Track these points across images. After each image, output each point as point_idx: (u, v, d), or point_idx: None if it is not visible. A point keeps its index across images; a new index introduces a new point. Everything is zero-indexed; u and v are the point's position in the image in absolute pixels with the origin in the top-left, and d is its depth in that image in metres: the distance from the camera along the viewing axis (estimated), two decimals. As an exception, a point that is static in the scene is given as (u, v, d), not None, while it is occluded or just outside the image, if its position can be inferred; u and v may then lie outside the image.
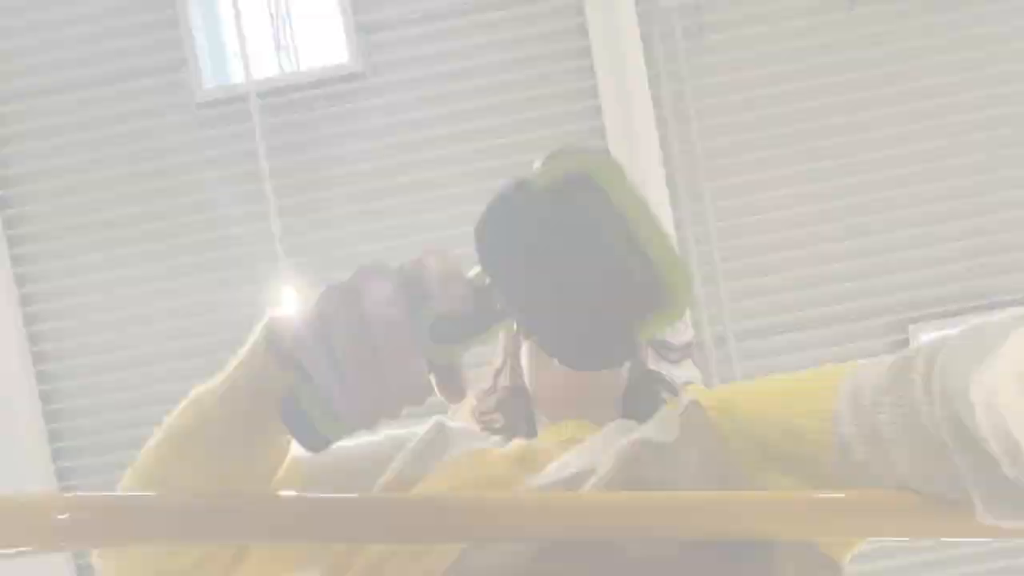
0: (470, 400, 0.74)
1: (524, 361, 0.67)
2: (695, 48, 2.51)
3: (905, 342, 2.45)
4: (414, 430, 0.60)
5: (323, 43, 2.62)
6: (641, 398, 0.64)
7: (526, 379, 0.67)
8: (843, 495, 0.42)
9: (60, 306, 2.52)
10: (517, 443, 0.59)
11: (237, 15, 2.47)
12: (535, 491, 0.46)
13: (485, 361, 0.77)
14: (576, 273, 0.27)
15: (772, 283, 2.53)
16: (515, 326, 0.33)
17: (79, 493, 0.40)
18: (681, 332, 0.70)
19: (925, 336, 2.37)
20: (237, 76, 2.62)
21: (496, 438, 0.69)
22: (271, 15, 2.55)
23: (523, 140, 2.52)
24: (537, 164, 0.29)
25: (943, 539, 0.42)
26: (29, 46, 2.48)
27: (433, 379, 0.32)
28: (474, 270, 0.31)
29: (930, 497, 0.38)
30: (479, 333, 0.31)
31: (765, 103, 2.50)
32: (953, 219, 2.50)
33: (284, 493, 0.39)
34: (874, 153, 2.49)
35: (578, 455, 0.49)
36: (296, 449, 0.41)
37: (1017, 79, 2.46)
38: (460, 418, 0.73)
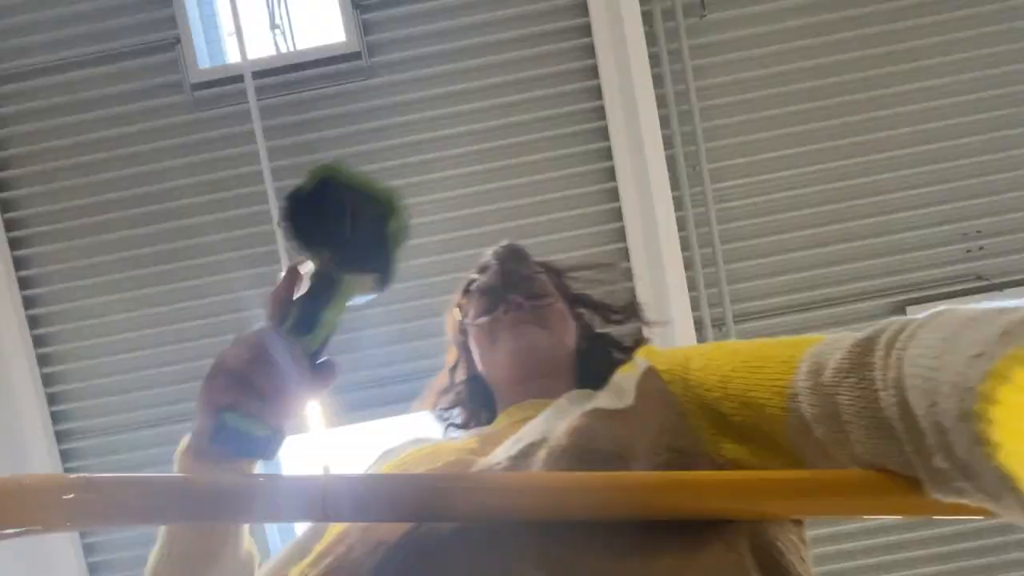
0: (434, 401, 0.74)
1: (475, 353, 0.67)
2: (696, 27, 2.48)
3: (903, 324, 2.45)
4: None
5: (319, 22, 2.59)
6: (593, 363, 0.64)
7: (480, 369, 0.67)
8: (802, 475, 0.42)
9: (58, 289, 2.52)
10: (474, 432, 0.59)
11: (231, -7, 2.43)
12: (486, 470, 0.46)
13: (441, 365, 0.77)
14: (349, 222, 0.44)
15: (770, 265, 2.54)
16: (346, 296, 0.46)
17: (83, 474, 0.40)
18: (620, 294, 0.70)
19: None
20: (232, 56, 2.59)
21: (455, 433, 0.69)
22: (266, -7, 2.51)
23: (522, 121, 2.50)
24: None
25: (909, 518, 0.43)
26: (19, 26, 2.45)
27: (309, 368, 0.43)
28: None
29: (890, 476, 0.38)
30: (322, 312, 0.45)
31: (765, 84, 2.48)
32: (951, 201, 2.50)
33: (275, 474, 0.40)
34: (873, 134, 2.48)
35: (531, 429, 0.49)
36: None
37: (1018, 59, 2.44)
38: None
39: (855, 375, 0.37)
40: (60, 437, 2.51)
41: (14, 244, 2.49)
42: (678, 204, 2.48)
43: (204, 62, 2.52)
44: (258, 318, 2.51)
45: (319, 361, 0.46)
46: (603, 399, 0.50)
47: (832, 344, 0.40)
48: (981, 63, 2.44)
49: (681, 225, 2.48)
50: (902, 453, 0.35)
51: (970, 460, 0.29)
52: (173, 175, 2.49)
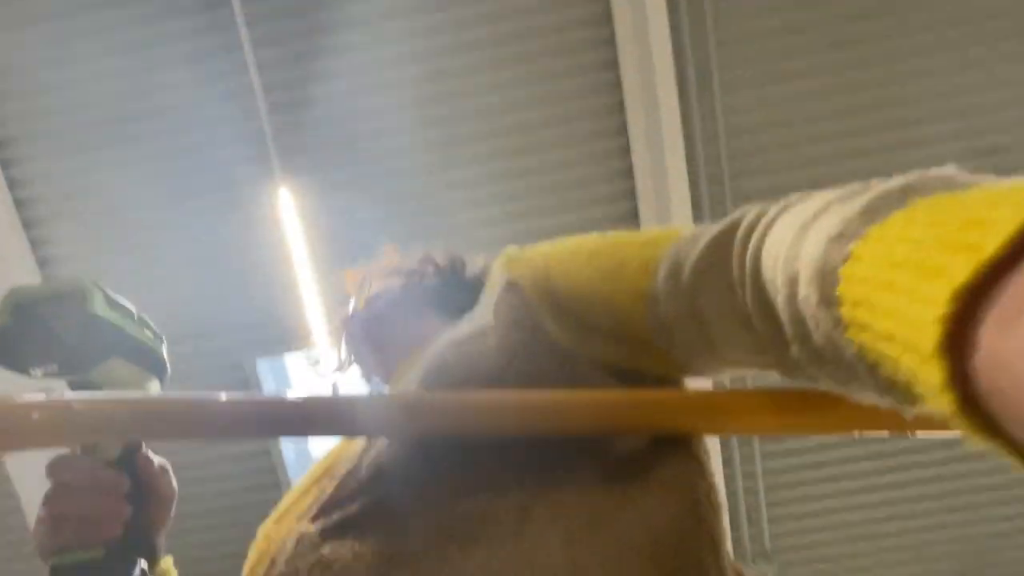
0: None
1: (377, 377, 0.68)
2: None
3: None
4: None
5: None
6: (451, 299, 0.62)
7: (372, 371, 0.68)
8: (712, 393, 0.42)
9: (57, 210, 2.50)
10: None
11: None
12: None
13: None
14: (57, 329, 0.45)
15: (778, 183, 2.47)
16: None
17: (48, 396, 0.41)
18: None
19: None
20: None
21: None
22: None
23: (525, 28, 2.36)
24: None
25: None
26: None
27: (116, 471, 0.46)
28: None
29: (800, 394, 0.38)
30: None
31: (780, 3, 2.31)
32: (977, 133, 2.39)
33: (230, 395, 0.40)
34: (885, 47, 2.33)
35: (405, 384, 0.49)
36: None
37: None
38: None
39: (712, 274, 0.36)
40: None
41: (6, 164, 2.45)
42: (685, 117, 2.39)
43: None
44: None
45: (127, 462, 0.47)
46: (462, 327, 0.49)
47: (689, 242, 0.38)
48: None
49: (687, 141, 2.40)
50: (760, 346, 0.34)
51: (826, 345, 0.27)
52: (158, 90, 2.40)
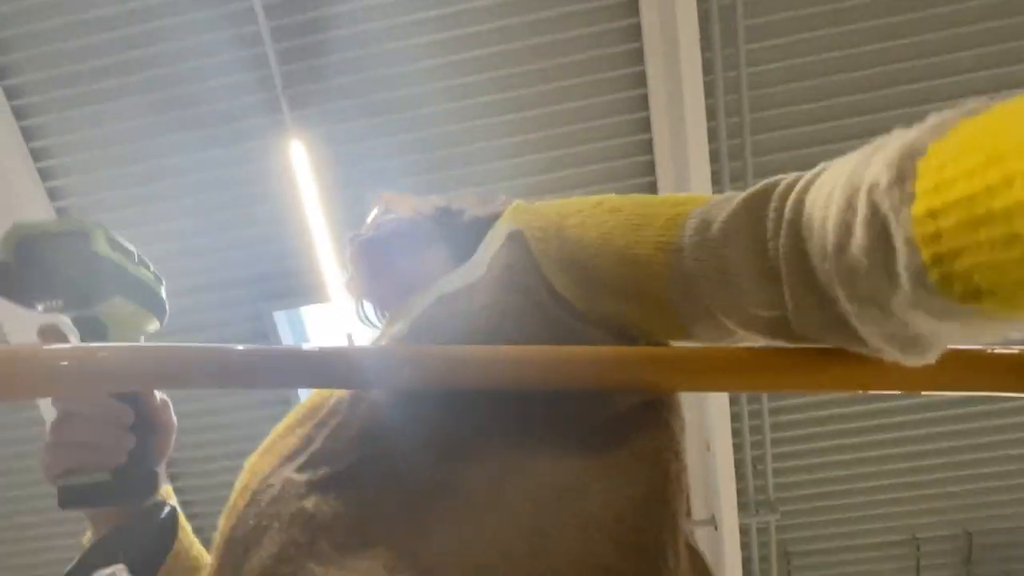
0: None
1: (376, 303, 0.67)
2: None
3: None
4: None
5: None
6: (458, 243, 0.61)
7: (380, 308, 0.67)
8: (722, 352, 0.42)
9: (73, 164, 2.51)
10: None
11: None
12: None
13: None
14: (62, 264, 0.46)
15: (798, 136, 2.41)
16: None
17: (75, 344, 0.42)
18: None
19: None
20: None
21: None
22: None
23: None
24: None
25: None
26: None
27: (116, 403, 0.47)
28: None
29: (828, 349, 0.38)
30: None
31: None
32: (1004, 64, 2.28)
33: (240, 347, 0.41)
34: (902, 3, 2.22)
35: (395, 330, 0.48)
36: None
37: None
38: None
39: (745, 227, 0.36)
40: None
41: (19, 113, 2.45)
42: (708, 68, 2.31)
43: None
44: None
45: (131, 395, 0.48)
46: (455, 278, 0.48)
47: (721, 202, 0.38)
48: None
49: (709, 91, 2.33)
50: (780, 301, 0.34)
51: (872, 245, 0.28)
52: (169, 53, 2.36)
